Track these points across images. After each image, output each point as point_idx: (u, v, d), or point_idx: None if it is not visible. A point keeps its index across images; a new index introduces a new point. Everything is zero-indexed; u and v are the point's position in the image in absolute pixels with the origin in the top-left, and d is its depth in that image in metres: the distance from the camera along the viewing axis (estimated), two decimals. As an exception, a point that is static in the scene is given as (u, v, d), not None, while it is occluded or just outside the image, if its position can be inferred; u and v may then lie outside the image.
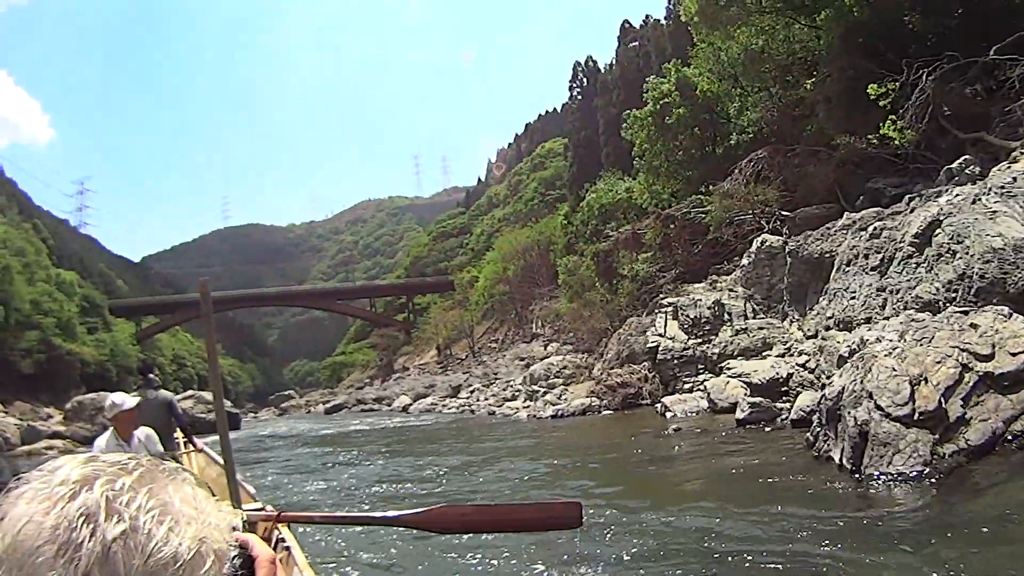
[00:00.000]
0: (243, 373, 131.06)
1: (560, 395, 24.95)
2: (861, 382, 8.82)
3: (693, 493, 9.30)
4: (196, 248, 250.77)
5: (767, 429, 13.27)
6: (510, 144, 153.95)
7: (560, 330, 46.65)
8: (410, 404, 40.73)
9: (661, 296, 26.31)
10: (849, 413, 8.76)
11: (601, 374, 24.44)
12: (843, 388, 9.19)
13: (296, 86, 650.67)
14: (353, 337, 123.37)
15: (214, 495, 0.82)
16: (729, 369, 17.34)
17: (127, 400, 6.32)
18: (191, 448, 8.30)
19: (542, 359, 36.10)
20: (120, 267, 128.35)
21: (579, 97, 72.63)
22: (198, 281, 4.52)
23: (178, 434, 8.45)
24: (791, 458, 10.12)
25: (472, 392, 37.54)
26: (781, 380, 15.69)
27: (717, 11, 27.73)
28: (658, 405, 18.46)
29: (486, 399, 32.84)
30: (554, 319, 48.60)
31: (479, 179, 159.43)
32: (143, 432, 6.45)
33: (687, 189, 30.82)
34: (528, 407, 25.55)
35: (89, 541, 0.67)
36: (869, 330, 11.96)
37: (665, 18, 60.84)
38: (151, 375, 8.71)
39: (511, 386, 33.12)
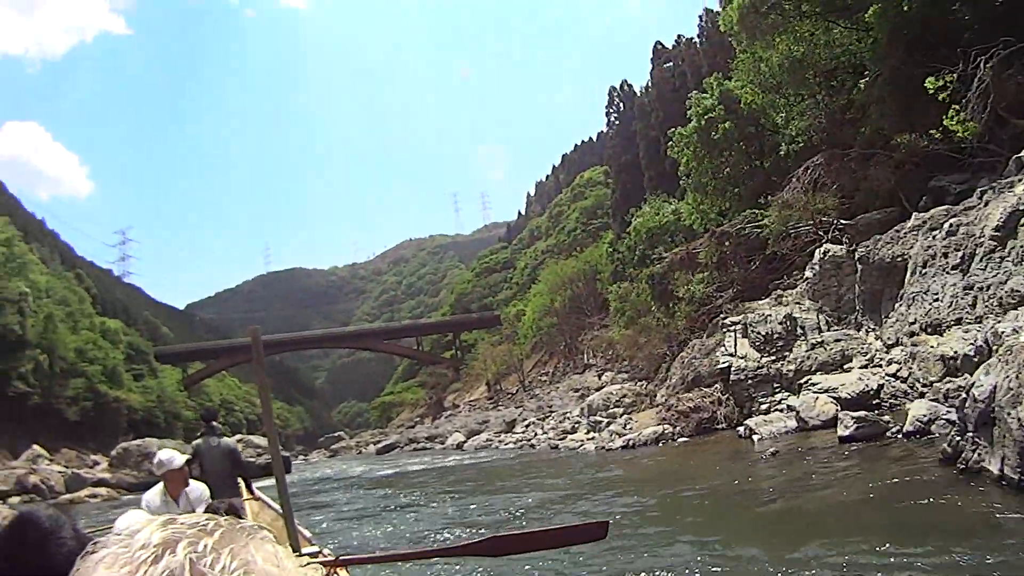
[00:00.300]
0: (291, 416, 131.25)
1: (625, 424, 23.83)
2: (1018, 377, 7.74)
3: (827, 527, 7.99)
4: (240, 294, 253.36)
5: (876, 445, 12.03)
6: (548, 176, 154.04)
7: (614, 358, 45.65)
8: (464, 441, 39.67)
9: (721, 316, 25.23)
10: (1009, 414, 7.66)
11: (667, 400, 23.28)
12: (995, 387, 8.07)
13: (332, 131, 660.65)
14: (401, 376, 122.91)
15: None
16: (814, 385, 16.22)
17: (176, 458, 6.17)
18: (248, 496, 8.06)
19: (598, 389, 35.14)
20: (165, 315, 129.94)
21: (616, 122, 71.88)
22: (247, 328, 4.44)
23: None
24: (927, 475, 9.00)
25: (528, 426, 36.46)
26: (872, 392, 14.69)
27: (757, 20, 26.94)
28: (740, 428, 17.29)
29: (544, 432, 31.77)
30: (606, 348, 47.61)
31: (519, 212, 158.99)
32: (195, 490, 6.23)
33: (737, 206, 29.93)
34: (593, 438, 24.49)
35: None
36: (999, 323, 10.89)
37: (698, 35, 60.18)
38: (214, 423, 8.70)
39: (568, 418, 32.11)
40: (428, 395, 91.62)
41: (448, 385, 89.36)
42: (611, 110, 72.94)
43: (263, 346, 3.87)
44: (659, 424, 21.32)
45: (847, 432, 12.84)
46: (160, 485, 6.11)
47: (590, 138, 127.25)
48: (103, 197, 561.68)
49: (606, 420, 25.85)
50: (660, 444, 20.13)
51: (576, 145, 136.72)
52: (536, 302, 69.19)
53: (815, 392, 15.84)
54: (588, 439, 24.98)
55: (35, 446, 37.15)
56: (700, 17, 60.68)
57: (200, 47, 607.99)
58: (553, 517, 11.39)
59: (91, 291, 79.54)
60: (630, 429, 22.69)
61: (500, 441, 35.52)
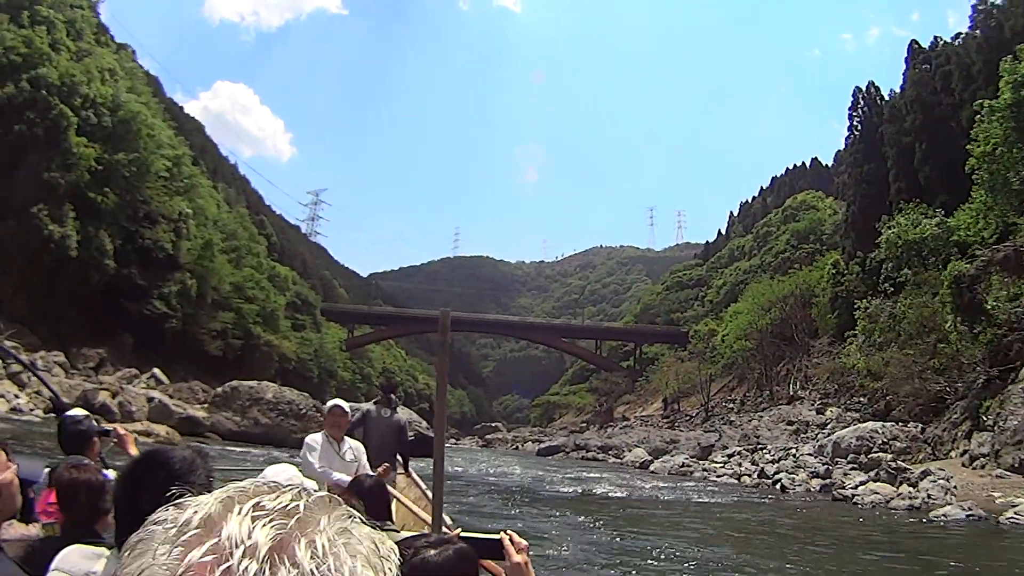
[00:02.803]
0: (453, 398, 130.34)
1: (949, 482, 16.00)
2: None
3: None
4: (423, 272, 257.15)
5: None
6: (754, 197, 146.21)
7: (838, 391, 37.55)
8: (648, 461, 33.02)
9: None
10: None
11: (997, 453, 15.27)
12: None
13: (532, 129, 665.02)
14: (570, 379, 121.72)
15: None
16: None
17: (338, 402, 6.76)
18: (402, 472, 8.18)
19: (822, 426, 27.81)
20: (344, 277, 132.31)
21: (859, 128, 62.62)
22: (437, 307, 5.19)
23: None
24: None
25: (731, 456, 29.48)
26: None
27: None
28: None
29: (756, 466, 24.38)
30: (827, 379, 39.56)
31: (719, 232, 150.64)
32: (357, 447, 6.66)
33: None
34: (900, 494, 17.15)
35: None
36: None
37: (970, 28, 52.86)
38: (393, 395, 8.56)
39: (792, 454, 24.51)
40: (598, 402, 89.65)
41: (620, 395, 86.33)
42: (854, 113, 64.00)
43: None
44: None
45: None
46: (324, 430, 6.58)
47: (803, 163, 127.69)
48: (302, 163, 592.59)
49: (893, 472, 17.91)
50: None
51: (788, 169, 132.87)
52: (737, 321, 63.50)
53: None
54: (896, 494, 17.63)
55: (156, 370, 33.37)
56: (973, 8, 53.01)
57: (410, 32, 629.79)
58: None
59: (271, 238, 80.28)
60: (955, 490, 14.84)
61: (705, 469, 28.59)
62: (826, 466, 22.16)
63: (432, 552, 1.87)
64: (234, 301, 52.68)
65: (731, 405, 58.91)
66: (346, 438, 6.48)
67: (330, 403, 6.69)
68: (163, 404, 25.66)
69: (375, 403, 8.42)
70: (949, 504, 14.86)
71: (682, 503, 18.50)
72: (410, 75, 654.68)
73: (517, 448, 57.30)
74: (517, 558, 2.32)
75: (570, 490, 21.16)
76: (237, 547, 0.63)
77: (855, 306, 37.20)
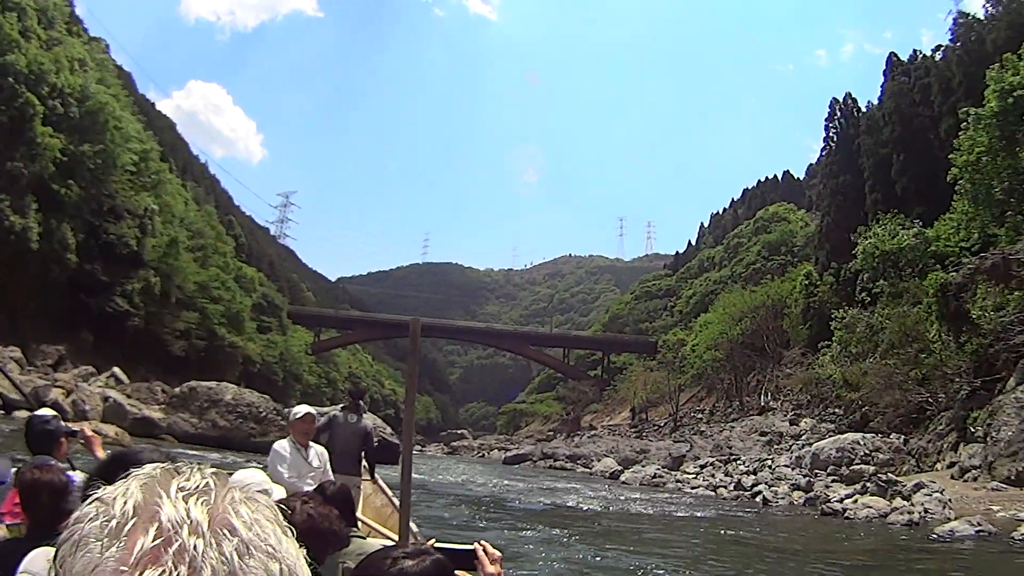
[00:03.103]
0: (419, 405, 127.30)
1: (943, 495, 15.22)
2: None
3: None
4: (392, 278, 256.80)
5: None
6: (725, 209, 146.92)
7: (814, 401, 37.05)
8: (619, 471, 31.97)
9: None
10: None
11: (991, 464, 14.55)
12: None
13: (503, 138, 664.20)
14: (537, 388, 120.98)
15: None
16: None
17: (301, 409, 6.62)
18: (367, 478, 8.20)
19: (796, 436, 27.17)
20: (312, 281, 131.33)
21: (835, 139, 62.61)
22: (406, 313, 6.02)
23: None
24: None
25: (704, 467, 28.65)
26: None
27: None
28: None
29: (730, 477, 23.54)
30: (800, 389, 39.07)
31: (688, 242, 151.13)
32: (322, 452, 6.55)
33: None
34: (896, 508, 16.30)
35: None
36: None
37: (951, 42, 51.95)
38: (360, 401, 8.60)
39: (768, 466, 23.92)
40: (564, 411, 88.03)
41: (588, 404, 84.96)
42: (831, 124, 64.00)
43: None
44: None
45: None
46: (289, 436, 6.45)
47: (775, 175, 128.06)
48: (273, 165, 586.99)
49: (883, 484, 17.13)
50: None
51: (759, 181, 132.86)
52: (708, 331, 63.66)
53: None
54: (891, 507, 16.70)
55: (116, 369, 31.82)
56: (954, 20, 52.35)
57: (385, 37, 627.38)
58: None
59: (239, 239, 78.97)
60: (950, 503, 14.05)
61: (678, 480, 27.60)
62: (807, 478, 21.38)
63: (410, 563, 1.78)
64: (199, 301, 51.28)
65: (700, 415, 58.34)
66: (311, 443, 6.45)
67: (299, 409, 6.63)
68: (118, 404, 24.21)
69: (342, 408, 8.48)
70: (950, 519, 13.92)
71: (660, 516, 17.52)
72: (383, 80, 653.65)
73: (483, 456, 56.40)
74: (491, 569, 2.28)
75: (540, 501, 20.03)
76: (180, 527, 0.66)
77: (831, 316, 36.70)
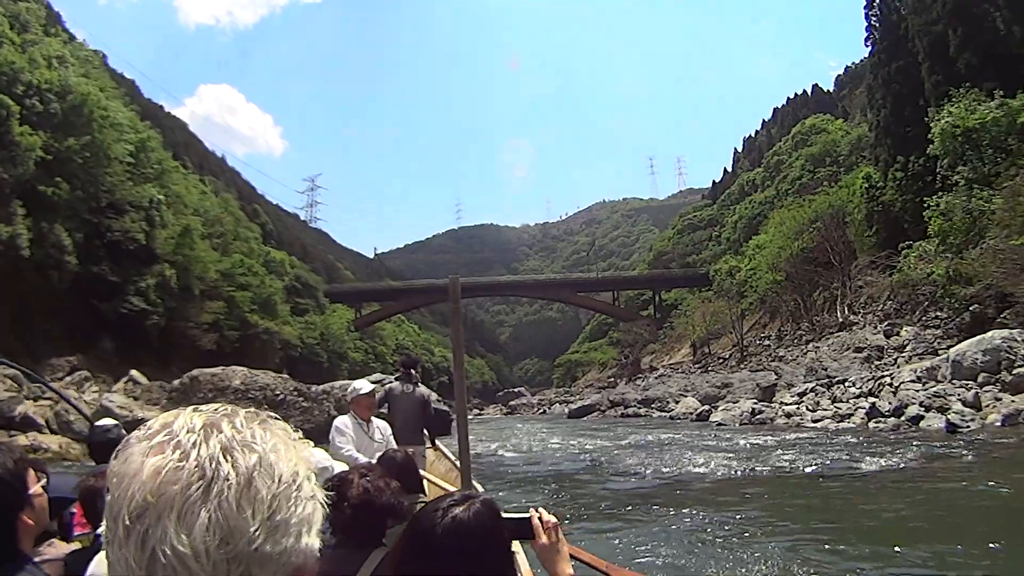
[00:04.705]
0: (472, 369, 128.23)
1: None
2: None
3: None
4: (429, 247, 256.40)
5: None
6: (758, 131, 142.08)
7: (905, 307, 33.48)
8: (705, 411, 28.13)
9: None
10: None
11: None
12: None
13: (525, 93, 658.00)
14: (589, 336, 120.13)
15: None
16: None
17: (365, 385, 6.56)
18: (429, 446, 8.14)
19: (900, 347, 23.61)
20: (350, 259, 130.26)
21: (877, 26, 57.78)
22: (446, 277, 4.87)
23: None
24: None
25: (803, 395, 24.87)
26: None
27: None
28: None
29: (894, 405, 18.55)
30: (889, 296, 35.34)
31: (724, 169, 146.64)
32: (384, 425, 6.55)
33: None
34: None
35: (233, 473, 0.81)
36: None
37: None
38: (412, 371, 8.27)
39: (888, 385, 20.10)
40: (621, 355, 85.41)
41: (644, 346, 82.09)
42: (870, 12, 59.09)
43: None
44: None
45: None
46: (351, 412, 6.35)
47: (804, 91, 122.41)
48: (297, 155, 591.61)
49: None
50: None
51: (789, 98, 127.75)
52: (764, 253, 60.44)
53: None
54: None
55: (133, 372, 29.13)
56: None
57: (391, 12, 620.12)
58: None
59: (266, 226, 77.66)
60: None
61: (788, 416, 22.76)
62: (972, 391, 16.90)
63: (460, 509, 1.77)
64: (224, 289, 48.64)
65: (767, 341, 54.57)
66: (373, 418, 6.43)
67: (360, 384, 6.56)
68: (106, 409, 21.34)
69: (397, 379, 8.22)
70: None
71: (826, 475, 12.23)
72: (392, 56, 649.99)
73: (544, 412, 53.31)
74: (544, 539, 2.16)
75: (643, 464, 14.93)
76: (182, 429, 0.84)
77: (909, 212, 32.78)
